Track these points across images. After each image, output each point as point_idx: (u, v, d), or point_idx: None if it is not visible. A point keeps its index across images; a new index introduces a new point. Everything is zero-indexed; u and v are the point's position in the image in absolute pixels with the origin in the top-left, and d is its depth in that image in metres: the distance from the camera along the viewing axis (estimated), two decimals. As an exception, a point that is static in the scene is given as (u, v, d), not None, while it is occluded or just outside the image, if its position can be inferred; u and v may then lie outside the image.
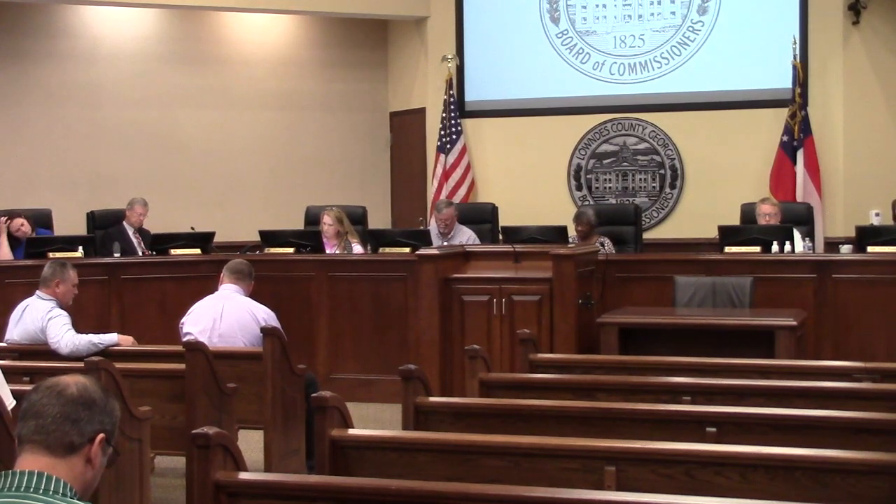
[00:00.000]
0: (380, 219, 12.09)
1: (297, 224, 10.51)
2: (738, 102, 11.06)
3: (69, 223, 10.54)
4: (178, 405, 5.92)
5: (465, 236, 9.66)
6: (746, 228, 8.94)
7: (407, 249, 9.03)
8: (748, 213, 9.35)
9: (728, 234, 8.69)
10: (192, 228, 10.00)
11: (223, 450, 3.43)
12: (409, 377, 4.67)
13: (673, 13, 11.34)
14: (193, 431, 3.44)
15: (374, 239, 9.55)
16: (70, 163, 11.65)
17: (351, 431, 4.05)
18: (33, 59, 11.55)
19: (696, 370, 5.72)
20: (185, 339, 6.48)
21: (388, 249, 9.31)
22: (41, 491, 2.32)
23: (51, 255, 8.71)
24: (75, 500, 2.34)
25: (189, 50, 12.14)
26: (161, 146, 11.99)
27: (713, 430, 4.36)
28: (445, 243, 9.47)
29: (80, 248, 9.12)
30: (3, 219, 9.23)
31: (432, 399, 4.78)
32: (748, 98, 11.04)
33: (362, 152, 12.80)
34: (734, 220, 9.52)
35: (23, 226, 9.52)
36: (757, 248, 8.47)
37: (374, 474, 3.90)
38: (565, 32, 11.66)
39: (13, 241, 9.48)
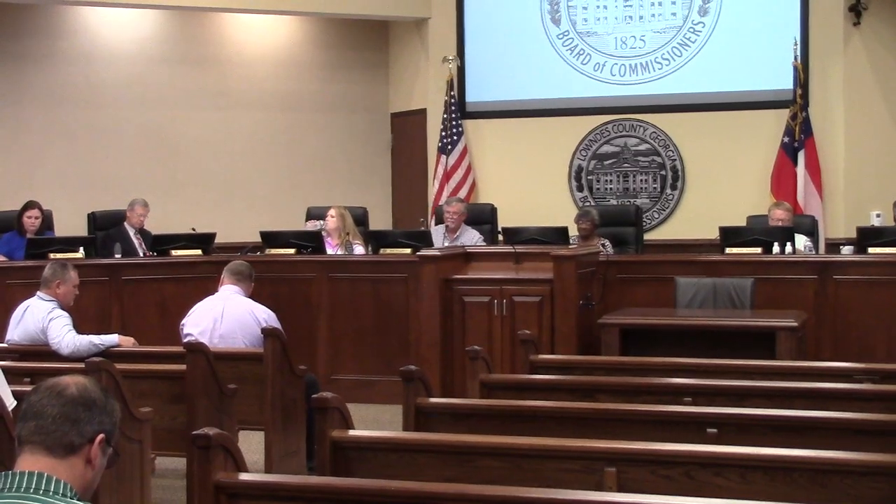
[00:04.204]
0: (381, 220, 12.09)
1: (298, 225, 10.51)
2: (739, 103, 11.06)
3: (70, 224, 10.55)
4: (179, 406, 5.92)
5: (471, 238, 9.66)
6: (747, 229, 8.93)
7: (408, 250, 9.03)
8: (754, 224, 9.28)
9: (729, 236, 8.68)
10: (193, 229, 10.00)
11: (224, 451, 3.44)
12: (410, 378, 4.68)
13: (674, 14, 11.34)
14: (194, 432, 3.44)
15: (374, 240, 9.56)
16: (71, 164, 11.64)
17: (351, 432, 4.05)
18: (33, 60, 11.55)
19: (697, 371, 5.72)
20: (185, 340, 6.49)
21: (388, 250, 9.31)
22: (41, 491, 2.32)
23: (51, 255, 8.72)
24: (75, 501, 2.34)
25: (189, 51, 12.14)
26: (161, 147, 11.99)
27: (713, 431, 4.36)
28: (448, 244, 9.47)
29: (81, 249, 9.13)
30: None
31: (433, 400, 4.78)
32: (749, 99, 11.04)
33: (363, 153, 12.80)
34: (735, 221, 9.49)
35: (37, 218, 9.64)
36: (758, 250, 8.46)
37: (375, 475, 3.90)
38: (566, 33, 11.66)
39: (21, 231, 9.57)
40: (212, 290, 7.13)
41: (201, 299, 6.96)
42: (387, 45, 12.90)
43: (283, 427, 6.40)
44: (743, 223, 9.39)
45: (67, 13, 11.69)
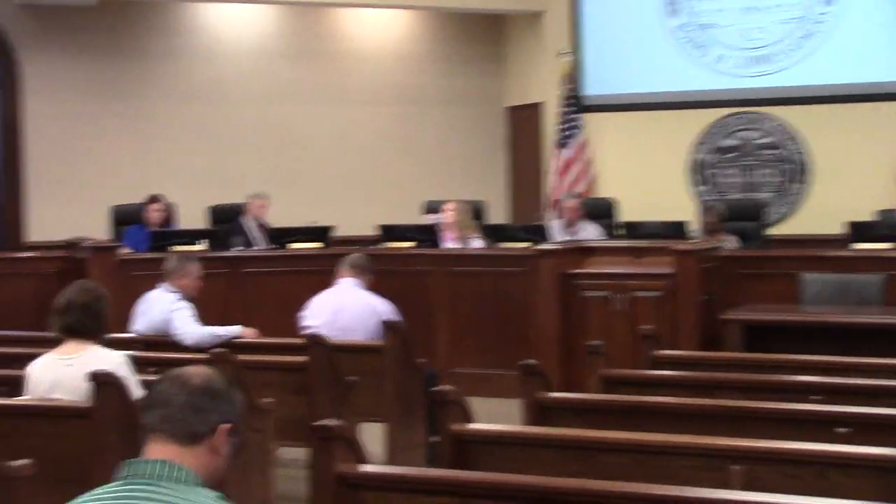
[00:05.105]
0: (498, 213, 12.06)
1: (413, 218, 10.53)
2: (866, 95, 10.76)
3: (193, 217, 10.73)
4: (300, 397, 5.95)
5: (590, 232, 9.57)
6: (878, 224, 8.67)
7: (526, 244, 8.97)
8: (884, 218, 8.98)
9: (859, 230, 8.41)
10: (315, 222, 10.05)
11: (345, 442, 3.44)
12: (530, 372, 4.64)
13: (797, 4, 11.06)
14: (314, 424, 3.45)
15: (492, 233, 9.53)
16: (193, 158, 11.84)
17: (472, 426, 4.03)
18: (156, 56, 11.77)
19: (825, 369, 5.55)
20: (305, 332, 6.53)
21: (507, 244, 9.26)
22: (166, 479, 2.33)
23: (174, 248, 8.86)
24: (201, 488, 2.35)
25: (308, 46, 12.27)
26: (281, 141, 12.14)
27: (843, 430, 4.22)
28: (569, 238, 9.40)
29: (205, 241, 9.25)
30: None
31: (553, 395, 4.74)
32: (877, 90, 10.73)
33: (479, 147, 12.79)
34: (862, 216, 9.21)
35: (160, 211, 9.84)
36: (889, 245, 8.16)
37: (495, 469, 3.86)
38: (685, 25, 11.48)
39: (146, 224, 9.76)
40: (330, 282, 7.16)
41: (319, 292, 7.00)
42: (502, 38, 12.87)
43: (403, 419, 6.41)
44: (869, 218, 9.12)
45: (188, 10, 11.90)
